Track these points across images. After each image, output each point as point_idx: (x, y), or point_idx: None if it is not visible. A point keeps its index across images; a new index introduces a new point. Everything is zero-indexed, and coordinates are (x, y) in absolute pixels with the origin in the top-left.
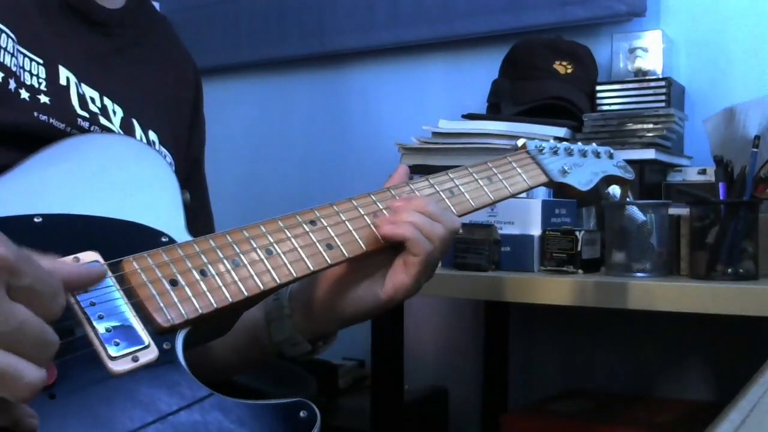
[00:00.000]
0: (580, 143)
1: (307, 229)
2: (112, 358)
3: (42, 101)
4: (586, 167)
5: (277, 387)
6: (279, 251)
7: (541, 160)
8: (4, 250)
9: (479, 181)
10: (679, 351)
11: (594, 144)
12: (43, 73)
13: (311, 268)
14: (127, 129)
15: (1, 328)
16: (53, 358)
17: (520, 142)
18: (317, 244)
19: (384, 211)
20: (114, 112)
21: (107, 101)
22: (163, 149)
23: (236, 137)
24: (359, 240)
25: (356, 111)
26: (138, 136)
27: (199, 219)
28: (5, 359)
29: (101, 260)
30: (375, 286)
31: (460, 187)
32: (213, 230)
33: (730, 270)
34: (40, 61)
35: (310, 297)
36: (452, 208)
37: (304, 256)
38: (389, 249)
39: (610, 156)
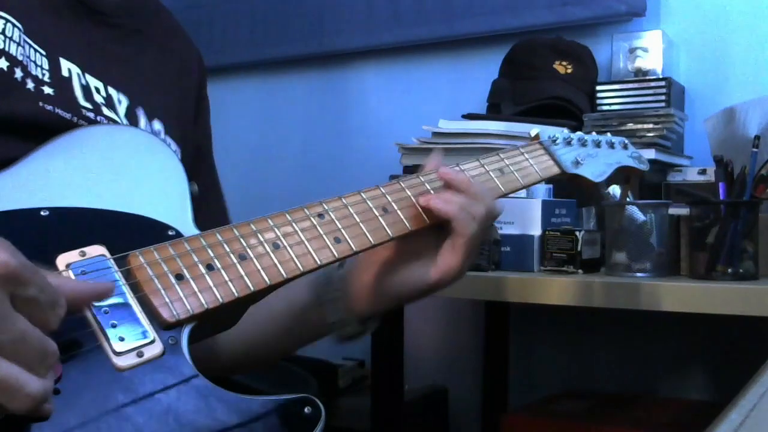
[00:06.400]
0: (594, 133)
1: (315, 222)
2: (117, 354)
3: (46, 92)
4: (600, 158)
5: (277, 387)
6: (286, 245)
7: (554, 151)
8: (10, 260)
9: (490, 173)
10: (679, 351)
11: (609, 134)
12: (46, 65)
13: (318, 262)
14: (132, 118)
15: (4, 336)
16: (52, 368)
17: (533, 132)
18: (325, 237)
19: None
20: (119, 101)
21: (112, 90)
22: (168, 138)
23: (236, 137)
24: (367, 233)
25: (356, 111)
26: (143, 126)
27: (209, 206)
28: (7, 369)
29: (107, 254)
30: (423, 268)
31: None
32: (226, 214)
33: (730, 270)
34: (43, 53)
35: (358, 279)
36: None
37: (311, 249)
38: (434, 230)
39: (625, 146)
